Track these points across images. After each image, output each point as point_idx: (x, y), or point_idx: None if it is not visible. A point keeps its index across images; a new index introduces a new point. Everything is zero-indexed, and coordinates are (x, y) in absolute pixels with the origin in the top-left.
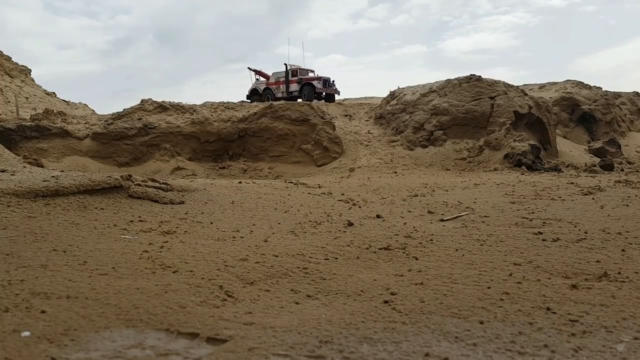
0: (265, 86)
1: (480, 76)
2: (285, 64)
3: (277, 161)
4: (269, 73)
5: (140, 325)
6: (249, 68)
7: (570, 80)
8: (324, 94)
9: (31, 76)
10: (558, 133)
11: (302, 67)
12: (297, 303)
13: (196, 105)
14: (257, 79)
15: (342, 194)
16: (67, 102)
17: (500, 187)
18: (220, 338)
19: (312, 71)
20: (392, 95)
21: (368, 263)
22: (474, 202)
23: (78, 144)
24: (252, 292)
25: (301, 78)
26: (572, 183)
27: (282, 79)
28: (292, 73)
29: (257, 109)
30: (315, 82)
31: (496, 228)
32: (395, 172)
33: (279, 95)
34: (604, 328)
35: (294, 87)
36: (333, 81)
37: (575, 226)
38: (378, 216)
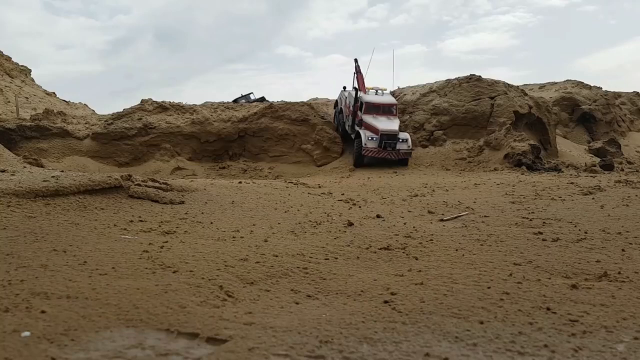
0: (342, 105)
1: (480, 76)
2: (354, 88)
3: (277, 161)
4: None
5: (140, 325)
6: (355, 60)
7: (570, 80)
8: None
9: (31, 76)
10: (558, 133)
11: (379, 93)
12: (297, 303)
13: (196, 105)
14: (344, 89)
15: (342, 194)
16: (67, 102)
17: (500, 187)
18: (220, 338)
19: (393, 106)
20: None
21: (368, 263)
22: (474, 202)
23: (78, 144)
24: (252, 292)
25: (361, 120)
26: (572, 183)
27: (351, 105)
28: (360, 102)
29: (257, 109)
30: (365, 134)
31: (496, 228)
32: (395, 172)
33: (347, 127)
34: (604, 328)
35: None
36: (400, 138)
37: (576, 226)
38: (378, 216)
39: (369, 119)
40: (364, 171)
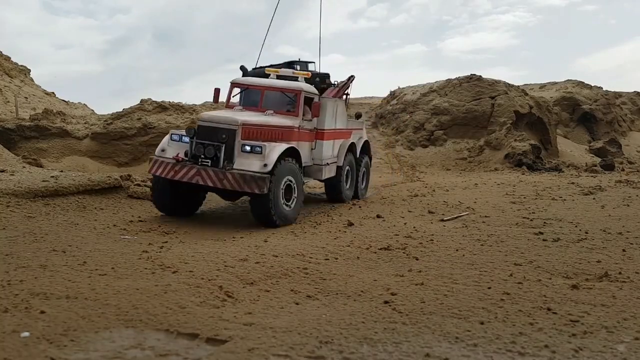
0: None
1: (480, 76)
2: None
3: None
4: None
5: (140, 326)
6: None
7: (570, 80)
8: None
9: (30, 76)
10: (559, 133)
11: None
12: (297, 303)
13: (196, 105)
14: None
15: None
16: (67, 102)
17: (500, 187)
18: (220, 338)
19: (295, 95)
20: (392, 95)
21: (368, 263)
22: (475, 202)
23: (77, 144)
24: (252, 292)
25: None
26: (572, 183)
27: None
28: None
29: None
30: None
31: (497, 228)
32: (396, 172)
33: None
34: (604, 328)
35: None
36: (251, 145)
37: (576, 226)
38: (378, 216)
39: None
40: None
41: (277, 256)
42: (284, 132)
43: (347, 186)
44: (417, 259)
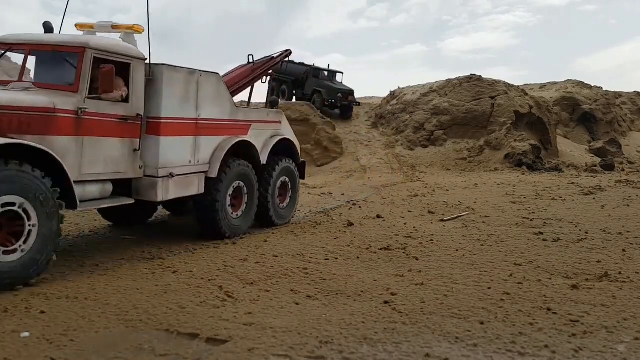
0: None
1: (480, 76)
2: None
3: None
4: None
5: (140, 326)
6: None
7: (570, 80)
8: None
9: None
10: (559, 133)
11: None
12: (297, 303)
13: None
14: None
15: (342, 194)
16: None
17: (500, 187)
18: (220, 338)
19: (66, 53)
20: (392, 95)
21: (368, 263)
22: (475, 202)
23: None
24: (252, 292)
25: None
26: (572, 183)
27: None
28: None
29: None
30: None
31: (497, 228)
32: (396, 172)
33: None
34: (604, 328)
35: None
36: None
37: (576, 226)
38: (378, 216)
39: None
40: (364, 171)
41: (277, 256)
42: (25, 120)
43: (238, 213)
44: (417, 259)
